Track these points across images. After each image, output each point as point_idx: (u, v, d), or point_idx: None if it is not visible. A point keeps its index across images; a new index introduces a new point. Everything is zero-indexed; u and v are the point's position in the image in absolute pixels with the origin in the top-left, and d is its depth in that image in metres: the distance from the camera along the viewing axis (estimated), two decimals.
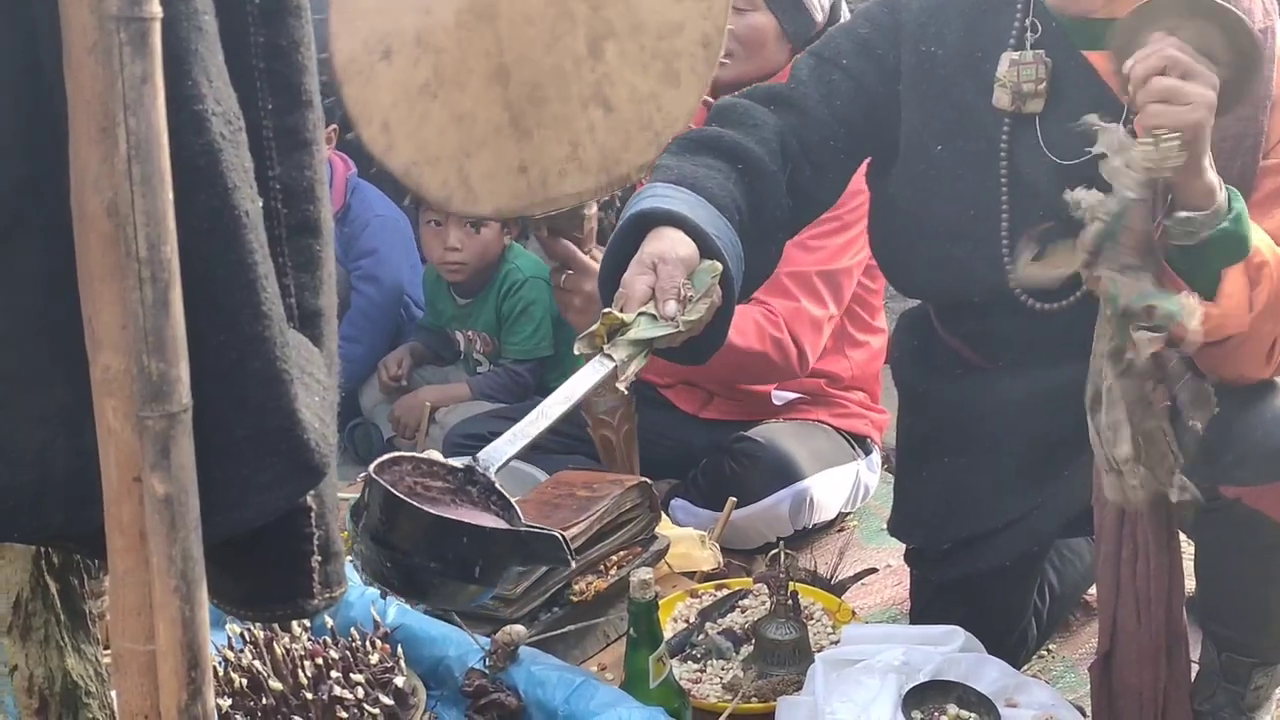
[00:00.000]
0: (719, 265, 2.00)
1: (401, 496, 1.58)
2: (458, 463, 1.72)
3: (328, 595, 1.27)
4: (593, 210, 2.78)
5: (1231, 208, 1.95)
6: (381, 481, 1.57)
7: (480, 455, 1.76)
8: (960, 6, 2.34)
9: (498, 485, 1.71)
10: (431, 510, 1.59)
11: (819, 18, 3.11)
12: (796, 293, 3.06)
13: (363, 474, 1.62)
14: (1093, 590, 2.78)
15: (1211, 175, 1.93)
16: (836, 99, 2.34)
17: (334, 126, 3.75)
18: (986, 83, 2.28)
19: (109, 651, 1.92)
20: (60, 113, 1.09)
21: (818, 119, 2.33)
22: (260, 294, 1.11)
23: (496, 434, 3.25)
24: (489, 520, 1.67)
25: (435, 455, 1.73)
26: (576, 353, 1.92)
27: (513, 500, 1.71)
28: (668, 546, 2.64)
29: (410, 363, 4.13)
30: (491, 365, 4.02)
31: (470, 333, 4.03)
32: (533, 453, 3.17)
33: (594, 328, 1.90)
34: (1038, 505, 2.45)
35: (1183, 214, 1.92)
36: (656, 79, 2.57)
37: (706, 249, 2.01)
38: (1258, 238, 2.00)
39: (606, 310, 1.92)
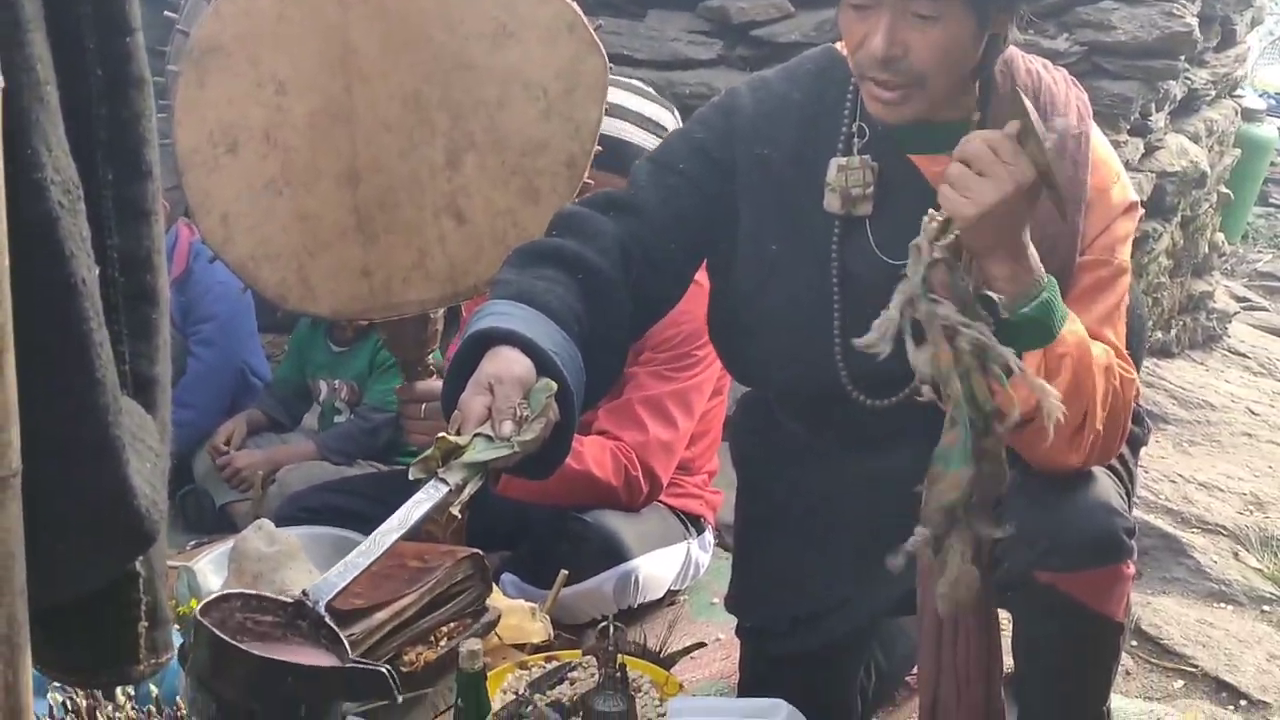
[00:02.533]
0: (554, 384, 2.03)
1: (226, 639, 1.60)
2: (287, 598, 1.74)
3: (154, 661, 1.28)
4: (438, 315, 2.81)
5: (1040, 297, 2.06)
6: (206, 624, 1.59)
7: (309, 589, 1.80)
8: (792, 112, 2.41)
9: (327, 620, 1.73)
10: (257, 652, 1.61)
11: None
12: (648, 421, 3.13)
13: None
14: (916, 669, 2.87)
15: (1015, 265, 2.04)
16: (675, 202, 2.39)
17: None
18: (817, 186, 2.35)
19: None
20: None
21: (657, 222, 2.37)
22: (94, 360, 1.13)
23: (331, 506, 3.28)
24: (318, 657, 1.69)
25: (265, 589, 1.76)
26: (411, 477, 1.96)
27: (342, 635, 1.74)
28: (498, 618, 2.66)
29: (244, 432, 4.11)
30: (351, 413, 4.03)
31: (337, 381, 4.04)
32: (362, 525, 3.20)
33: (429, 452, 1.94)
34: (869, 584, 2.51)
35: (985, 294, 2.03)
36: (515, 195, 2.63)
37: (544, 366, 2.05)
38: (1069, 330, 2.10)
39: (441, 434, 1.95)
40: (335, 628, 1.72)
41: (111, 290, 1.20)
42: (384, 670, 1.66)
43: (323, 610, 1.74)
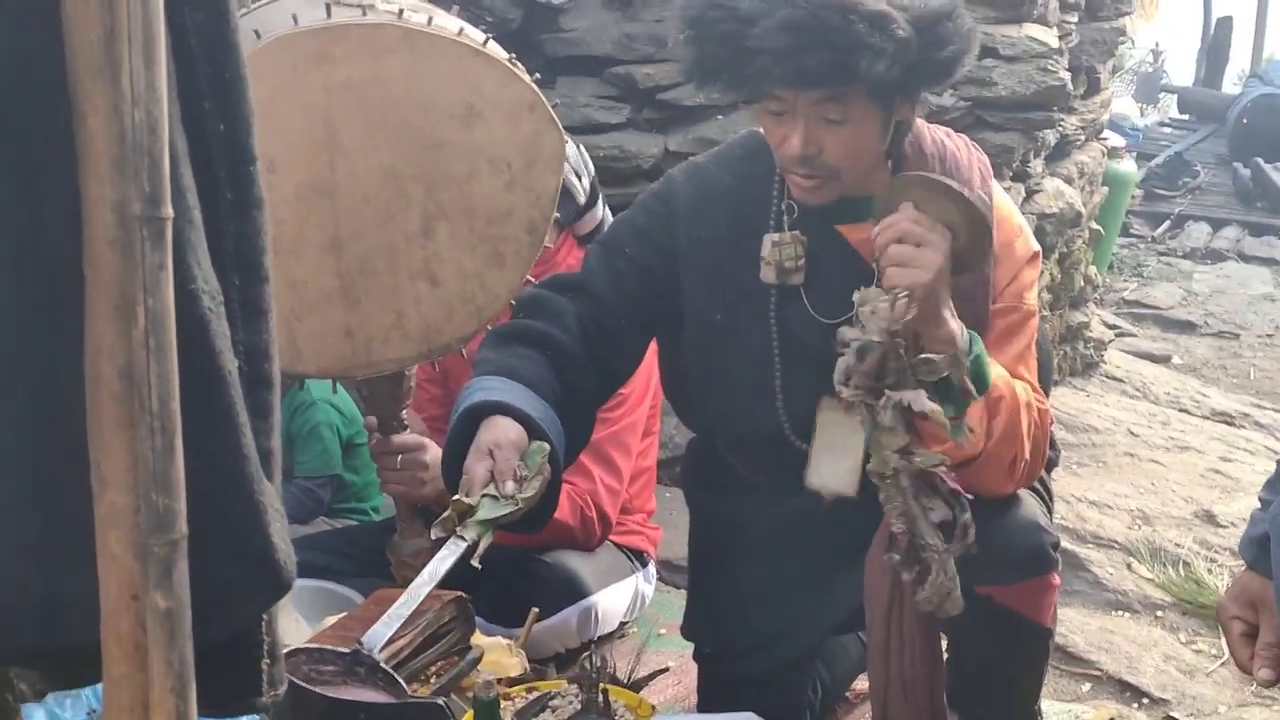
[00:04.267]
0: (547, 446, 2.29)
1: (302, 684, 1.80)
2: (344, 649, 1.94)
3: (273, 693, 1.48)
4: (412, 371, 3.00)
5: (972, 351, 2.29)
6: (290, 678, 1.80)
7: (363, 639, 2.00)
8: (725, 195, 2.62)
9: (382, 664, 1.94)
10: (329, 693, 1.81)
11: (581, 200, 3.34)
12: (593, 468, 3.27)
13: None
14: (857, 684, 3.10)
15: (952, 325, 2.26)
16: (624, 283, 2.60)
17: None
18: (754, 260, 2.56)
19: None
20: (57, 290, 1.30)
21: (609, 302, 2.58)
22: (241, 439, 1.34)
23: (301, 562, 3.39)
24: (379, 697, 1.89)
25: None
26: (434, 537, 2.23)
27: (398, 677, 1.94)
28: (482, 655, 2.84)
29: None
30: (283, 482, 4.11)
31: None
32: (330, 576, 3.38)
33: (446, 514, 2.19)
34: (815, 608, 2.74)
35: (925, 356, 2.23)
36: (483, 260, 2.77)
37: (533, 431, 2.30)
38: (996, 374, 2.36)
39: (455, 498, 2.21)
40: (391, 670, 1.91)
41: (240, 378, 1.40)
42: (441, 703, 1.86)
43: (377, 656, 1.94)
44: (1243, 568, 2.10)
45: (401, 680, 1.91)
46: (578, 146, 3.40)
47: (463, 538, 2.16)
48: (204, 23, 1.34)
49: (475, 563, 2.15)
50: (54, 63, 1.25)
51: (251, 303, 1.42)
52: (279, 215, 2.71)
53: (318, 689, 1.84)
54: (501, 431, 2.27)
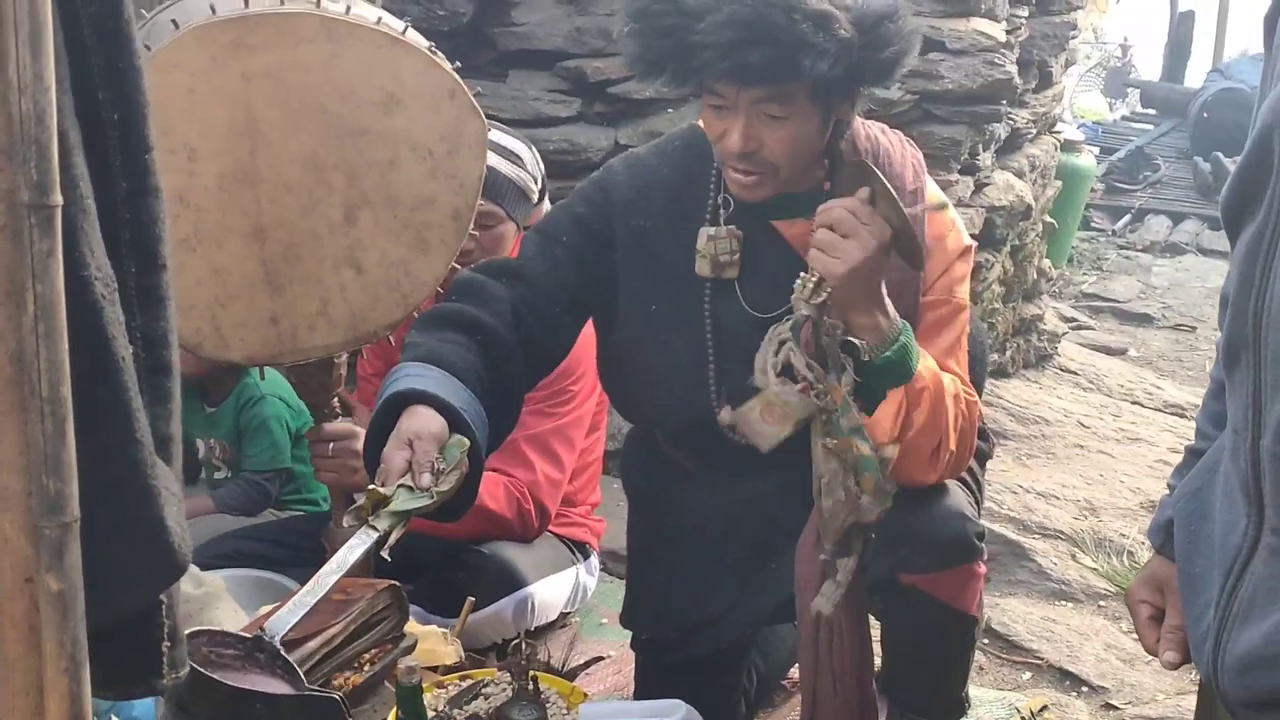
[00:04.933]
0: (467, 441, 2.30)
1: (202, 671, 1.81)
2: (246, 634, 1.95)
3: (173, 675, 1.50)
4: (342, 359, 3.02)
5: (898, 340, 2.33)
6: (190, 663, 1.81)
7: (266, 625, 2.01)
8: (663, 186, 2.65)
9: (283, 653, 1.95)
10: (229, 682, 1.83)
11: (534, 198, 3.39)
12: (535, 460, 3.30)
13: None
14: (792, 672, 3.14)
15: (877, 314, 2.30)
16: (560, 270, 2.62)
17: None
18: (689, 252, 2.60)
19: None
20: None
21: (545, 289, 2.60)
22: (135, 424, 1.36)
23: (241, 551, 3.46)
24: (277, 686, 1.91)
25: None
26: (345, 524, 2.25)
27: (297, 666, 1.95)
28: (415, 643, 2.87)
29: None
30: (232, 474, 4.13)
31: (212, 440, 4.13)
32: (273, 566, 3.40)
33: (360, 502, 2.20)
34: (750, 595, 2.76)
35: (848, 339, 2.29)
36: (407, 246, 2.81)
37: (455, 423, 2.31)
38: (924, 366, 2.39)
39: (370, 487, 2.21)
40: (291, 660, 1.92)
41: (136, 364, 1.42)
42: (337, 698, 1.88)
43: (278, 644, 1.95)
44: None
45: (300, 671, 1.92)
46: (530, 148, 3.43)
47: (374, 528, 2.17)
48: (97, 15, 1.36)
49: (385, 554, 2.17)
50: None
51: (149, 290, 1.45)
52: (201, 203, 2.74)
53: (217, 674, 1.85)
54: (422, 422, 2.28)
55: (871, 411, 2.33)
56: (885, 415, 2.34)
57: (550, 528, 3.54)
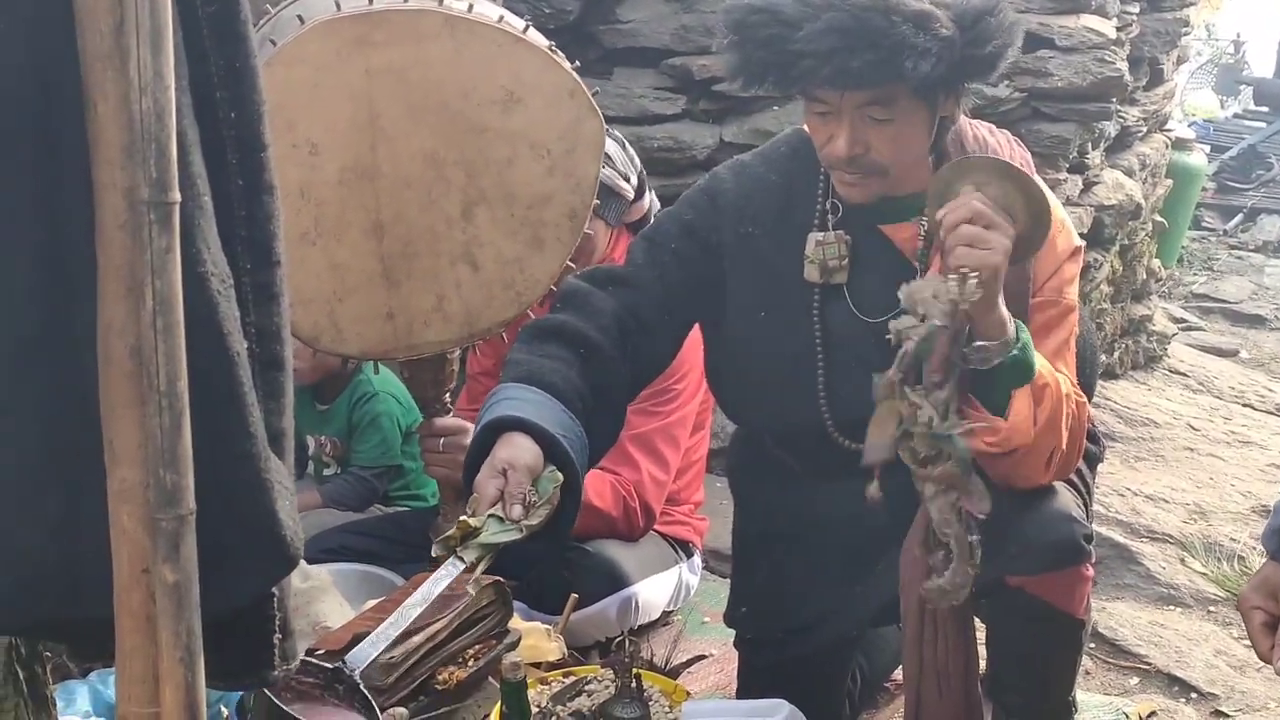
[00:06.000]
0: (560, 476, 2.30)
1: (282, 706, 1.82)
2: (327, 664, 1.97)
3: (285, 667, 1.52)
4: (454, 355, 3.04)
5: (1020, 338, 2.29)
6: (265, 691, 1.82)
7: (348, 658, 2.02)
8: (771, 192, 2.65)
9: (361, 687, 1.96)
10: (303, 717, 1.84)
11: (630, 196, 3.38)
12: (640, 460, 3.30)
13: None
14: (896, 674, 3.11)
15: (1004, 311, 2.27)
16: (668, 277, 2.63)
17: None
18: (797, 258, 2.59)
19: None
20: (75, 275, 1.34)
21: (652, 295, 2.61)
22: (249, 418, 1.38)
23: (348, 546, 3.49)
24: None
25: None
26: (434, 554, 2.24)
27: (374, 702, 1.96)
28: (519, 639, 2.88)
29: None
30: (341, 470, 4.17)
31: (323, 437, 4.18)
32: (377, 561, 3.43)
33: (449, 532, 2.22)
34: (854, 596, 2.75)
35: (979, 343, 2.24)
36: (523, 244, 2.84)
37: (550, 450, 2.31)
38: (1040, 363, 2.37)
39: (461, 518, 2.22)
40: (369, 695, 1.93)
41: (250, 359, 1.44)
42: None
43: (358, 679, 1.96)
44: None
45: (377, 707, 1.92)
46: (623, 145, 3.43)
47: (462, 559, 2.18)
48: (216, 16, 1.38)
49: (470, 589, 2.18)
50: (70, 56, 1.29)
51: (263, 286, 1.47)
52: (322, 197, 2.77)
53: (292, 704, 1.86)
54: (517, 451, 2.28)
55: (1002, 413, 2.30)
56: (1022, 417, 2.31)
57: (654, 526, 3.54)
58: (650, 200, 3.48)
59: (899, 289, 2.25)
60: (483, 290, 2.87)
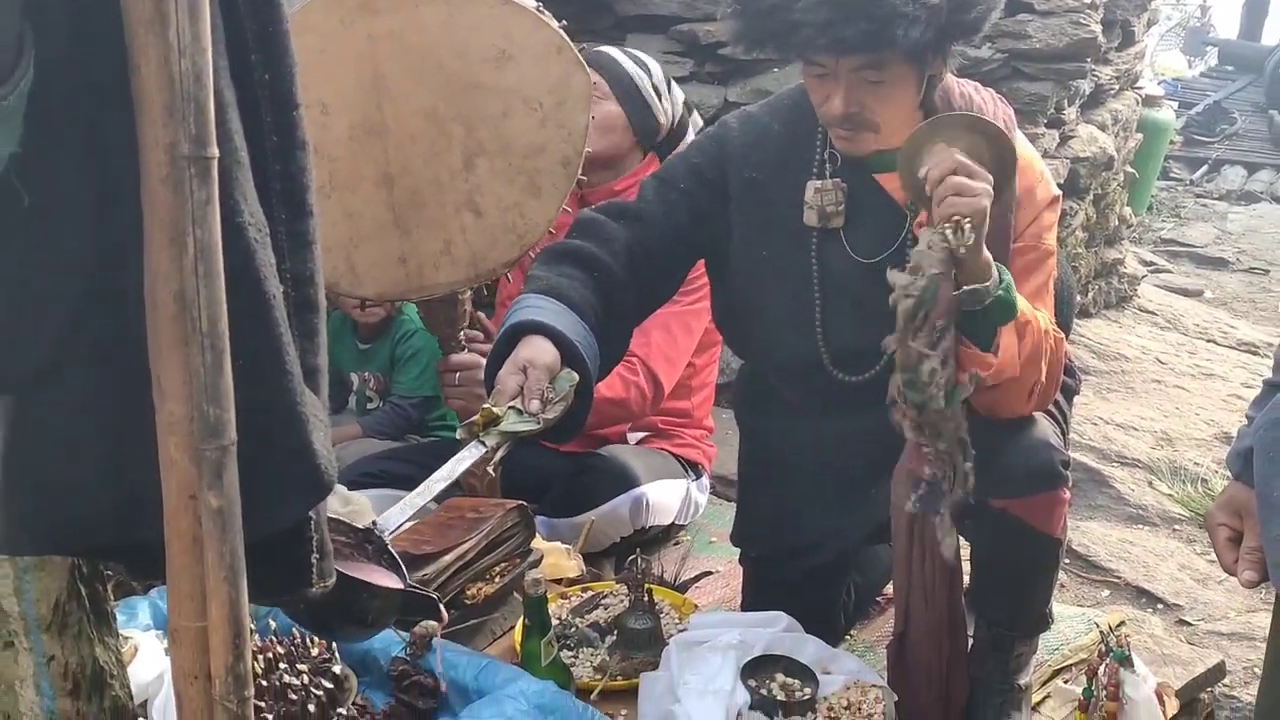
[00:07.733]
0: (576, 376, 2.30)
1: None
2: (358, 524, 1.95)
3: (322, 584, 1.51)
4: (466, 296, 3.03)
5: (1003, 279, 2.27)
6: None
7: (379, 520, 2.00)
8: (773, 141, 2.62)
9: (390, 548, 1.94)
10: (340, 569, 1.82)
11: (663, 120, 3.35)
12: (652, 330, 3.21)
13: None
14: (887, 589, 3.11)
15: (987, 254, 2.24)
16: (675, 214, 2.61)
17: None
18: (798, 203, 2.57)
19: (129, 640, 2.13)
20: (125, 229, 1.32)
21: (660, 230, 2.59)
22: (285, 356, 1.36)
23: (387, 471, 3.48)
24: (385, 578, 1.90)
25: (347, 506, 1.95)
26: (458, 437, 2.23)
27: (400, 562, 1.95)
28: (541, 558, 2.89)
29: None
30: (382, 402, 4.18)
31: (366, 373, 4.17)
32: (415, 486, 3.41)
33: (474, 418, 2.20)
34: (850, 518, 2.75)
35: (970, 286, 2.22)
36: (521, 191, 2.83)
37: (568, 354, 2.31)
38: (1021, 302, 2.34)
39: (484, 406, 2.21)
40: (396, 555, 1.92)
41: (286, 302, 1.42)
42: (433, 596, 1.88)
43: (387, 539, 1.95)
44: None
45: (403, 565, 1.91)
46: (670, 82, 3.43)
47: (484, 443, 2.17)
48: None
49: (490, 469, 2.15)
50: (117, 20, 1.27)
51: (297, 235, 1.44)
52: (334, 154, 2.78)
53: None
54: (537, 351, 2.29)
55: (992, 350, 2.28)
56: (1010, 353, 2.29)
57: (665, 446, 3.52)
58: (692, 126, 3.49)
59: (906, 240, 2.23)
60: (486, 234, 2.86)
